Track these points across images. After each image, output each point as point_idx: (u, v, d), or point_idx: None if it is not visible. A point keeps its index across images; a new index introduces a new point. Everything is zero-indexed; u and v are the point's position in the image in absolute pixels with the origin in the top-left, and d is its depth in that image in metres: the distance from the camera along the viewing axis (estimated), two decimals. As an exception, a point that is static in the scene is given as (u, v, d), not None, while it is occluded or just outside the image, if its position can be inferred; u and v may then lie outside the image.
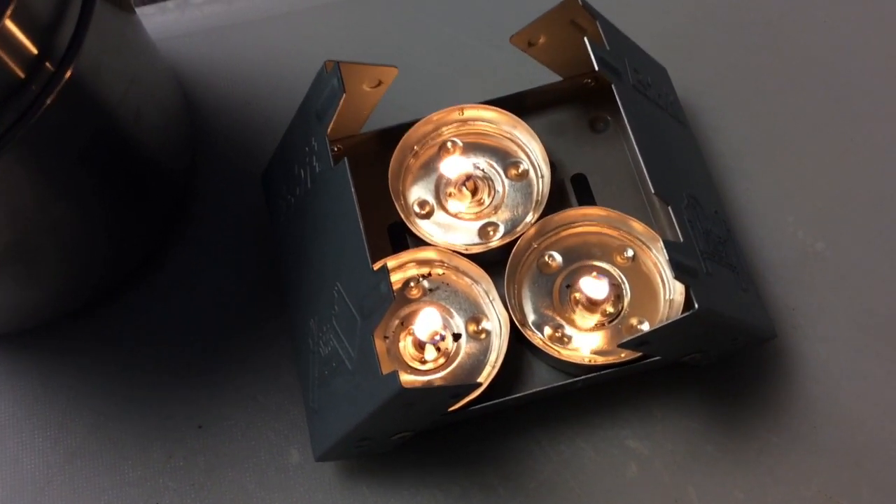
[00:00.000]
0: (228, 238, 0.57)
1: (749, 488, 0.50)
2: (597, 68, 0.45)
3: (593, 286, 0.50)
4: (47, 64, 0.42)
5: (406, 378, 0.50)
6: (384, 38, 0.62)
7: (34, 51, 0.41)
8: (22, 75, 0.41)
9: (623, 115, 0.46)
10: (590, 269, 0.52)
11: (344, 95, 0.46)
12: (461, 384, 0.48)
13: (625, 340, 0.44)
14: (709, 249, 0.46)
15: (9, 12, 0.38)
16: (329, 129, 0.48)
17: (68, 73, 0.42)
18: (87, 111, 0.45)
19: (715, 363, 0.51)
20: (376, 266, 0.44)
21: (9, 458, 0.52)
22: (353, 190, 0.45)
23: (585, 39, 0.46)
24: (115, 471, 0.52)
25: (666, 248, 0.42)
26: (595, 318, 0.51)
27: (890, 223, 0.56)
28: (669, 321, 0.43)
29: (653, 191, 0.44)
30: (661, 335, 0.44)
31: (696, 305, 0.42)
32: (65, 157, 0.46)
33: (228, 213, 0.58)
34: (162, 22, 0.63)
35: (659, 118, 0.50)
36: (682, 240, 0.44)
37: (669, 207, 0.44)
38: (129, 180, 0.52)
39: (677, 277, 0.41)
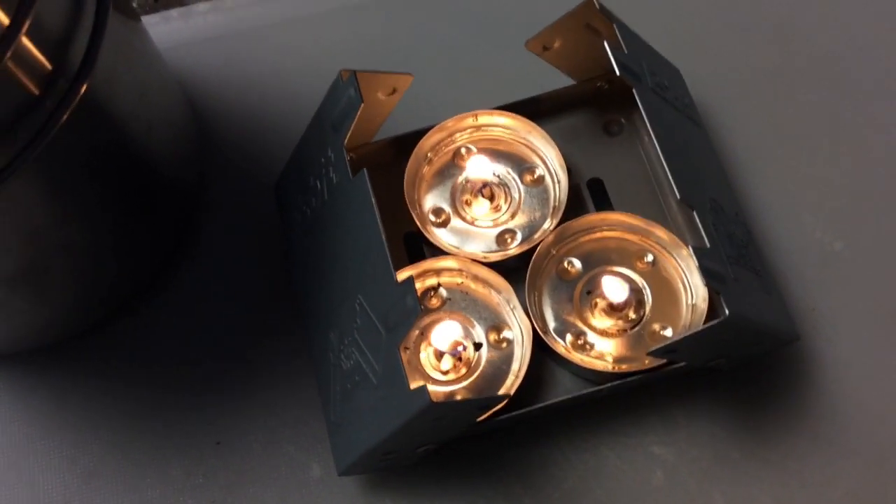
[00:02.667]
0: (240, 250, 0.57)
1: (776, 493, 0.50)
2: (618, 73, 0.45)
3: (613, 289, 0.50)
4: (62, 80, 0.41)
5: (431, 389, 0.49)
6: (393, 43, 0.61)
7: (48, 67, 0.40)
8: (36, 92, 0.40)
9: (646, 120, 0.45)
10: (610, 276, 0.51)
11: (362, 105, 0.46)
12: (489, 396, 0.47)
13: (654, 349, 0.43)
14: (734, 254, 0.46)
15: (24, 29, 0.37)
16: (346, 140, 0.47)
17: (83, 89, 0.41)
18: (102, 126, 0.45)
19: (738, 367, 0.51)
20: (401, 277, 0.43)
21: (25, 479, 0.52)
22: (373, 200, 0.45)
23: (606, 44, 0.45)
24: (134, 490, 0.51)
25: (695, 255, 0.41)
26: (617, 325, 0.50)
27: (907, 221, 0.55)
28: (700, 329, 0.42)
29: (678, 197, 0.43)
30: (690, 343, 0.43)
31: (727, 312, 0.41)
32: (79, 174, 0.45)
33: (239, 225, 0.57)
34: (166, 31, 0.62)
35: (678, 121, 0.50)
36: (708, 245, 0.43)
37: (694, 213, 0.44)
38: (140, 195, 0.51)
39: (708, 285, 0.41)
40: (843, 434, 0.51)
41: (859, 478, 0.50)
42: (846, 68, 0.59)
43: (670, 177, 0.44)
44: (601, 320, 0.51)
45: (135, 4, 0.67)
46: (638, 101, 0.45)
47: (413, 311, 0.42)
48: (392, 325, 0.43)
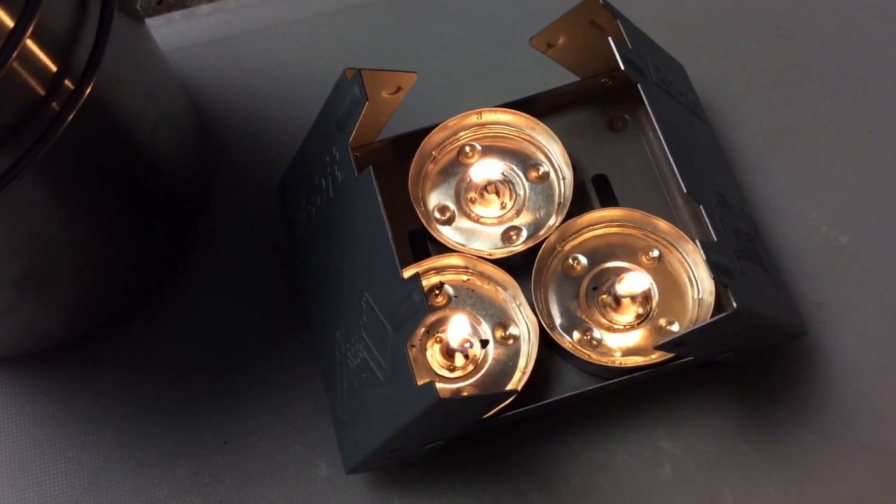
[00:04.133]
0: (244, 249, 0.57)
1: (785, 487, 0.50)
2: (623, 68, 0.45)
3: (633, 279, 0.50)
4: (67, 81, 0.41)
5: (438, 387, 0.49)
6: (396, 42, 0.61)
7: (53, 68, 0.40)
8: (42, 93, 0.40)
9: (651, 114, 0.45)
10: (616, 271, 0.51)
11: (367, 103, 0.46)
12: (497, 392, 0.47)
13: (662, 343, 0.43)
14: (740, 248, 0.46)
15: (29, 31, 0.37)
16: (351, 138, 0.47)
17: (88, 90, 0.41)
18: (107, 127, 0.45)
19: (745, 361, 0.51)
20: (407, 275, 0.43)
21: (32, 481, 0.52)
22: (379, 198, 0.45)
23: (610, 39, 0.45)
24: (141, 490, 0.51)
25: (703, 249, 0.41)
26: (624, 320, 0.50)
27: (912, 214, 0.55)
28: (707, 322, 0.42)
29: (685, 191, 0.43)
30: (698, 336, 0.43)
31: (735, 305, 0.41)
32: (85, 174, 0.45)
33: (243, 224, 0.57)
34: (169, 33, 0.62)
35: (683, 116, 0.50)
36: (715, 239, 0.43)
37: (701, 207, 0.44)
38: (145, 195, 0.51)
39: (716, 278, 0.41)
40: (851, 428, 0.51)
41: (867, 471, 0.50)
42: (851, 62, 0.59)
43: (676, 170, 0.43)
44: (608, 316, 0.51)
45: (138, 6, 0.66)
46: (643, 95, 0.45)
47: (420, 307, 0.41)
48: (399, 322, 0.43)
